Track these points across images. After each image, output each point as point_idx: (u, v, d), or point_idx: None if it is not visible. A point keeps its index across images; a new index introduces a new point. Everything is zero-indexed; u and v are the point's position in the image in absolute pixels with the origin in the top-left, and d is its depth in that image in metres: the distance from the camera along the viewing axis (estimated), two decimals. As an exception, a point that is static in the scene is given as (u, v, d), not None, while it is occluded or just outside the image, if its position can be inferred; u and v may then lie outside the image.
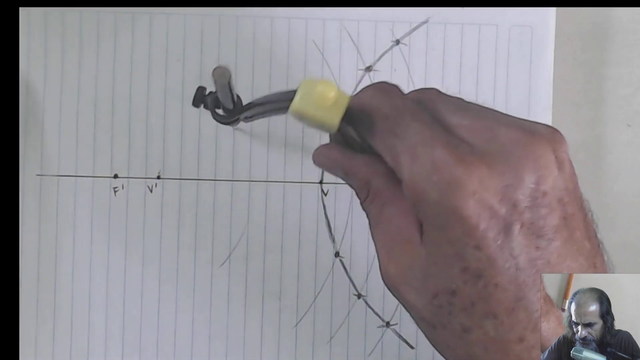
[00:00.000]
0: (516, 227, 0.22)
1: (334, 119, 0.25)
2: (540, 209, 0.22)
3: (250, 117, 0.31)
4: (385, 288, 0.25)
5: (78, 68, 0.37)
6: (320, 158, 0.28)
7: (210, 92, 0.32)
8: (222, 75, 0.28)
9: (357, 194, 0.27)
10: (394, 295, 0.25)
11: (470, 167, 0.21)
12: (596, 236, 0.24)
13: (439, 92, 0.26)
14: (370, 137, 0.25)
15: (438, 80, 0.37)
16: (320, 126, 0.25)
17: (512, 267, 0.22)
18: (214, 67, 0.37)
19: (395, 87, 0.25)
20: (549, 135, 0.23)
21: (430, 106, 0.24)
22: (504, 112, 0.24)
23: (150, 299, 0.37)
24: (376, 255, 0.25)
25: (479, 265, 0.22)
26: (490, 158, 0.22)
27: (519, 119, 0.24)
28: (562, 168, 0.22)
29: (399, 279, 0.24)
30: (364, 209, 0.27)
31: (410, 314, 0.25)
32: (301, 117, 0.25)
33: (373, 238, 0.26)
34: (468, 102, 0.25)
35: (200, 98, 0.32)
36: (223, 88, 0.29)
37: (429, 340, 0.24)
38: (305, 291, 0.37)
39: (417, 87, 0.37)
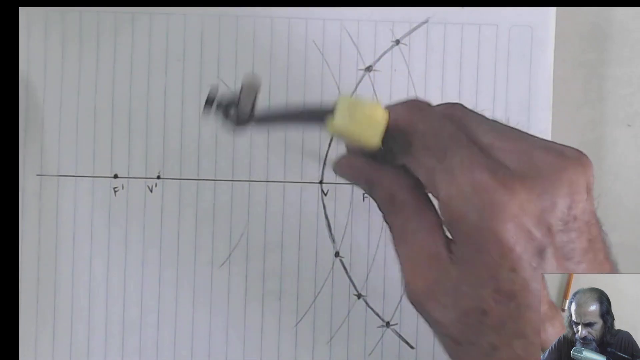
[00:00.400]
0: (549, 251, 0.22)
1: (375, 138, 0.24)
2: (570, 232, 0.22)
3: (266, 123, 0.30)
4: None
5: (78, 68, 0.37)
6: (344, 168, 0.28)
7: (223, 98, 0.31)
8: (252, 84, 0.27)
9: (379, 206, 0.27)
10: (418, 310, 0.25)
11: (511, 190, 0.22)
12: (611, 255, 0.24)
13: (464, 107, 0.26)
14: (404, 155, 0.25)
15: (438, 80, 0.37)
16: (359, 144, 0.25)
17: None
18: (214, 67, 0.37)
19: (429, 105, 0.25)
20: (579, 160, 0.23)
21: (461, 124, 0.24)
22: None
23: (150, 299, 0.37)
24: (400, 269, 0.25)
25: (512, 287, 0.22)
26: (529, 182, 0.22)
27: (548, 141, 0.24)
28: (589, 192, 0.23)
29: (425, 294, 0.24)
30: (387, 221, 0.26)
31: (434, 330, 0.24)
32: (341, 135, 0.25)
33: (396, 251, 0.26)
34: (493, 120, 0.25)
35: (212, 101, 0.30)
36: (248, 96, 0.28)
37: (451, 357, 0.24)
38: (305, 291, 0.37)
39: (417, 88, 0.37)
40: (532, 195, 0.22)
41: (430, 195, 0.25)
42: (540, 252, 0.22)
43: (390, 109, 0.25)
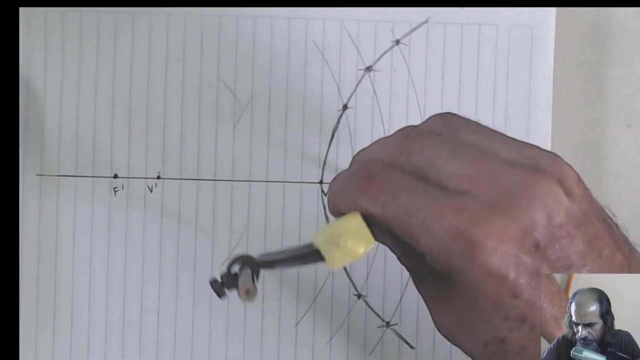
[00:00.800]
0: (545, 267, 0.22)
1: (370, 245, 0.24)
2: (561, 241, 0.22)
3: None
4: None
5: (78, 68, 0.37)
6: None
7: (224, 276, 0.28)
8: (250, 297, 0.27)
9: (391, 249, 0.27)
10: (452, 344, 0.25)
11: (484, 224, 0.21)
12: (627, 242, 0.24)
13: (420, 132, 0.25)
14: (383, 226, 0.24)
15: (438, 80, 0.37)
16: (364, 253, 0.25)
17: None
18: (214, 67, 0.37)
19: (376, 165, 0.24)
20: (550, 166, 0.23)
21: (419, 162, 0.24)
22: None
23: (150, 299, 0.37)
24: (426, 306, 0.25)
25: (519, 311, 0.22)
26: (500, 207, 0.22)
27: (517, 143, 0.24)
28: (572, 193, 0.22)
29: (452, 328, 0.24)
30: (402, 263, 0.27)
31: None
32: (346, 263, 0.25)
33: (418, 291, 0.26)
34: (453, 121, 0.25)
35: (219, 287, 0.28)
36: (245, 274, 0.28)
37: None
38: (305, 291, 0.37)
39: (417, 88, 0.37)
40: (507, 221, 0.21)
41: None
42: (536, 271, 0.22)
43: (344, 196, 0.24)
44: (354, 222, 0.24)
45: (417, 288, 0.26)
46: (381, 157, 0.25)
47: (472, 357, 0.24)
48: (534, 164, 0.23)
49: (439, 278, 0.24)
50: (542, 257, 0.22)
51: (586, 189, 0.23)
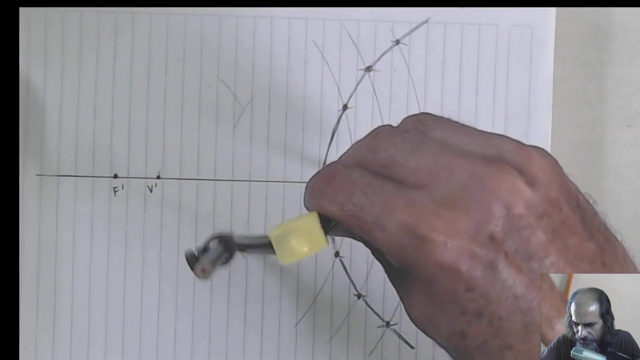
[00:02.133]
0: (500, 259, 0.21)
1: (322, 244, 0.25)
2: (521, 232, 0.22)
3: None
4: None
5: (78, 68, 0.37)
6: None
7: (199, 252, 0.28)
8: (205, 275, 0.27)
9: (365, 245, 0.27)
10: (430, 338, 0.25)
11: (432, 218, 0.21)
12: (606, 229, 0.24)
13: (389, 131, 0.25)
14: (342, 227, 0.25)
15: (438, 80, 0.37)
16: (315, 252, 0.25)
17: (510, 297, 0.22)
18: (214, 67, 0.37)
19: (338, 166, 0.24)
20: (513, 155, 0.22)
21: (382, 158, 0.24)
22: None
23: (150, 299, 0.37)
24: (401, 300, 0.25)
25: (476, 305, 0.22)
26: (451, 201, 0.22)
27: (484, 135, 0.23)
28: (535, 183, 0.22)
29: (423, 321, 0.24)
30: (376, 257, 0.27)
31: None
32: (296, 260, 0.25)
33: (393, 284, 0.26)
34: (423, 120, 0.25)
35: (194, 262, 0.27)
36: (217, 251, 0.28)
37: None
38: (305, 291, 0.37)
39: (417, 88, 0.37)
40: (457, 214, 0.21)
41: None
42: (491, 264, 0.21)
43: (309, 198, 0.25)
44: (307, 222, 0.24)
45: (392, 283, 0.26)
46: (351, 158, 0.25)
47: (445, 350, 0.24)
48: (496, 154, 0.22)
49: (403, 273, 0.24)
50: (497, 249, 0.21)
51: (561, 174, 0.23)
